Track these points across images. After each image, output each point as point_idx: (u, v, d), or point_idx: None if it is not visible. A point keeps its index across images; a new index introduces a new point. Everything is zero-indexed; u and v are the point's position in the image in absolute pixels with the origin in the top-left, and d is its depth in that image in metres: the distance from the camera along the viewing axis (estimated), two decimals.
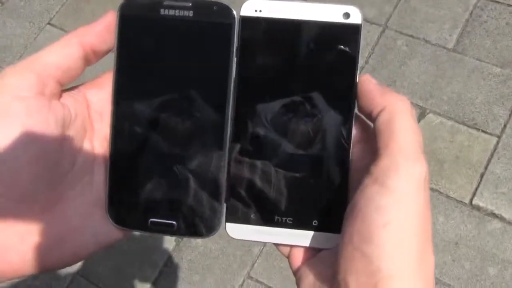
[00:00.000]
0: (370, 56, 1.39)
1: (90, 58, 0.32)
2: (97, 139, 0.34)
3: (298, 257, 0.34)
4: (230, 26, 0.32)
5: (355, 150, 0.33)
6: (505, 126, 1.26)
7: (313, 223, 0.33)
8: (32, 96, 0.29)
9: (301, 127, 0.33)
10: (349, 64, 0.32)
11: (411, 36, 1.40)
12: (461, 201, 1.19)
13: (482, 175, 1.21)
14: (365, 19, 1.42)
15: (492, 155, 1.23)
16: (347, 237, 0.29)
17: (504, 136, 1.25)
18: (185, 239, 1.24)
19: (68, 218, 0.32)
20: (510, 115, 1.27)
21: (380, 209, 0.28)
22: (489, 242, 1.15)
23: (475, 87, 1.31)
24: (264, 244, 1.21)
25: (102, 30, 0.32)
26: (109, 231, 0.33)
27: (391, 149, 0.29)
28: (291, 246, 0.34)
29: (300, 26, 0.33)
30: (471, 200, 1.19)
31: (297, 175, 0.33)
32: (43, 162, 0.30)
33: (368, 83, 0.32)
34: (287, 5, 0.33)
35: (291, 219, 0.33)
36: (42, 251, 0.31)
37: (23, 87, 0.29)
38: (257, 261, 1.20)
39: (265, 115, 0.33)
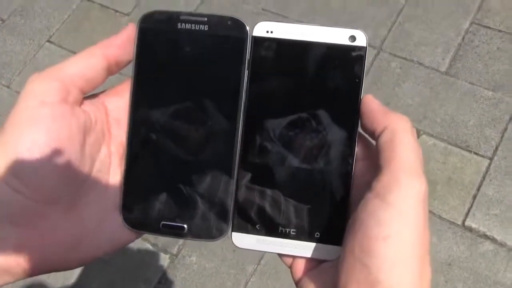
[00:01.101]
0: (364, 78, 1.41)
1: (112, 69, 0.34)
2: (114, 144, 0.35)
3: (300, 267, 0.35)
4: (243, 40, 0.34)
5: (357, 166, 0.34)
6: (496, 148, 1.28)
7: (316, 235, 0.34)
8: (56, 102, 0.31)
9: (307, 143, 0.34)
10: (354, 84, 0.34)
11: (405, 58, 1.43)
12: (453, 222, 1.20)
13: (474, 197, 1.23)
14: None
15: (484, 177, 1.25)
16: (349, 249, 0.30)
17: (496, 158, 1.27)
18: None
19: (87, 220, 0.33)
20: (501, 138, 1.29)
21: (381, 222, 0.29)
22: (482, 263, 1.16)
23: (468, 110, 1.34)
24: (262, 257, 1.21)
25: (124, 42, 0.34)
26: (123, 233, 0.35)
27: (393, 166, 0.30)
28: (294, 257, 0.35)
29: (308, 47, 0.34)
30: (463, 221, 1.20)
31: (302, 188, 0.35)
32: (66, 167, 0.31)
33: (371, 103, 0.33)
34: (297, 28, 0.35)
35: (295, 230, 0.35)
36: (61, 250, 0.32)
37: (48, 94, 0.31)
38: (251, 279, 1.20)
39: (273, 130, 0.35)
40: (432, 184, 1.25)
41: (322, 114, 0.34)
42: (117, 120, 0.35)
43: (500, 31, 1.44)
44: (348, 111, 0.34)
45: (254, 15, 1.53)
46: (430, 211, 1.21)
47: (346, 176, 0.34)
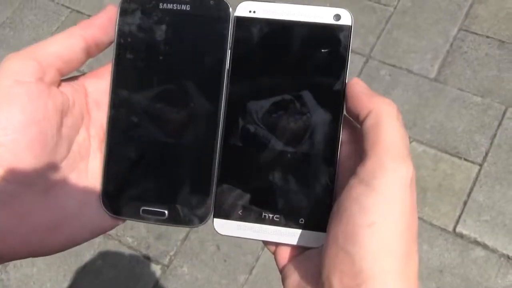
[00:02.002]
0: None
1: (92, 50, 0.33)
2: (93, 127, 0.35)
3: (284, 254, 0.34)
4: (226, 20, 0.34)
5: (343, 150, 0.33)
6: (486, 154, 1.28)
7: (300, 221, 0.33)
8: (32, 81, 0.30)
9: (291, 125, 0.33)
10: (339, 65, 0.33)
11: (394, 66, 1.43)
12: (444, 229, 1.20)
13: (465, 203, 1.23)
14: None
15: (474, 183, 1.25)
16: (332, 237, 0.29)
17: (485, 164, 1.27)
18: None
19: (64, 203, 0.32)
20: (491, 144, 1.29)
21: (365, 209, 0.28)
22: (473, 270, 1.16)
23: (457, 116, 1.34)
24: (253, 267, 1.21)
25: (104, 23, 0.33)
26: (104, 219, 0.34)
27: (377, 150, 0.29)
28: (278, 244, 0.34)
29: (292, 27, 0.34)
30: (454, 228, 1.20)
31: (285, 172, 0.33)
32: (41, 146, 0.30)
33: (357, 86, 0.32)
34: (280, 7, 0.34)
35: (278, 216, 0.33)
36: (39, 233, 0.31)
37: (24, 73, 0.30)
38: None
39: (256, 112, 0.34)
40: (422, 191, 1.25)
41: (306, 95, 0.33)
42: (97, 103, 0.35)
43: (488, 37, 1.45)
44: (333, 93, 0.33)
45: None
46: (421, 218, 1.22)
47: (331, 160, 0.33)
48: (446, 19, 1.49)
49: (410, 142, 1.31)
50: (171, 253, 1.25)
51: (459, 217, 1.21)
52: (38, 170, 0.31)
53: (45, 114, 0.30)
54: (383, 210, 0.28)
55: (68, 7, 1.68)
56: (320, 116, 0.33)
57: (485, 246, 1.18)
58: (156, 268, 1.24)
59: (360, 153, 0.31)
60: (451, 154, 1.29)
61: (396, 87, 1.40)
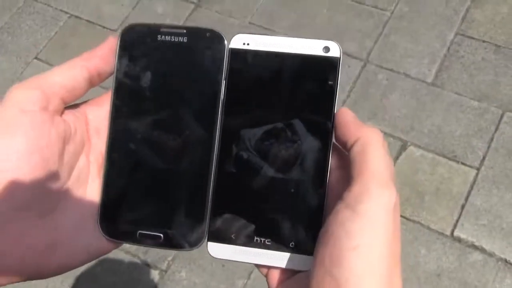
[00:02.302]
0: (351, 90, 1.42)
1: (94, 80, 0.35)
2: (93, 153, 0.36)
3: (275, 277, 0.35)
4: (221, 51, 0.35)
5: (332, 176, 0.35)
6: (483, 158, 1.29)
7: (291, 245, 0.34)
8: (36, 110, 0.32)
9: (282, 153, 0.35)
10: (328, 95, 0.35)
11: (392, 70, 1.44)
12: (442, 233, 1.21)
13: (462, 207, 1.23)
14: (346, 54, 1.46)
15: (472, 187, 1.25)
16: (319, 260, 0.30)
17: (483, 168, 1.27)
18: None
19: (62, 227, 0.33)
20: (488, 148, 1.30)
21: (350, 233, 0.29)
22: (471, 274, 1.16)
23: (454, 120, 1.34)
24: (252, 271, 1.21)
25: (105, 53, 0.35)
26: (101, 242, 0.35)
27: (363, 177, 0.30)
28: (269, 267, 0.35)
29: (283, 59, 0.35)
30: (452, 232, 1.21)
31: (277, 198, 0.35)
32: (43, 173, 0.31)
33: (345, 115, 0.34)
34: (273, 40, 0.36)
35: (270, 240, 0.35)
36: (35, 255, 0.32)
37: (28, 102, 0.32)
38: None
39: (249, 140, 0.35)
40: (420, 195, 1.26)
41: (297, 124, 0.35)
42: (97, 130, 0.36)
43: (484, 41, 1.46)
44: (323, 121, 0.35)
45: (241, 28, 1.54)
46: (418, 222, 1.22)
47: (321, 186, 0.34)
48: (442, 23, 1.50)
49: (408, 146, 1.32)
50: (169, 258, 1.25)
51: (457, 221, 1.22)
52: (37, 196, 0.32)
53: (48, 142, 0.32)
54: (367, 234, 0.29)
55: (66, 12, 1.68)
56: (310, 144, 0.35)
57: (482, 250, 1.18)
58: (154, 273, 1.24)
59: (348, 179, 0.32)
60: (449, 158, 1.29)
61: (394, 91, 1.41)
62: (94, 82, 0.35)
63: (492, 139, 1.31)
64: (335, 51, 0.35)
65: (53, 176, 0.32)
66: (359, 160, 0.31)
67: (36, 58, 1.60)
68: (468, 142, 1.31)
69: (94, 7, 1.68)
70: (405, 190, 1.27)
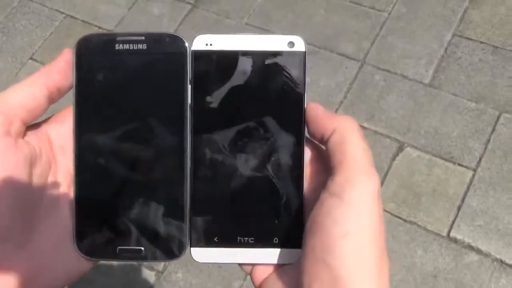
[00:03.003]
0: (348, 91, 1.42)
1: (54, 96, 0.34)
2: (61, 172, 0.35)
3: (260, 273, 0.35)
4: (183, 55, 0.34)
5: (308, 169, 0.35)
6: (480, 159, 1.29)
7: (274, 241, 0.35)
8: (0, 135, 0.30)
9: (257, 151, 0.35)
10: (297, 89, 0.35)
11: (389, 71, 1.44)
12: (438, 234, 1.21)
13: (459, 208, 1.23)
14: (344, 55, 1.46)
15: (468, 188, 1.25)
16: (309, 249, 0.31)
17: (479, 169, 1.28)
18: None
19: (39, 255, 0.32)
20: (485, 149, 1.30)
21: (338, 221, 0.30)
22: (467, 275, 1.16)
23: (451, 121, 1.34)
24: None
25: (63, 67, 0.34)
26: (79, 262, 0.34)
27: (345, 166, 0.31)
28: (255, 264, 0.35)
29: (249, 57, 0.35)
30: (448, 232, 1.21)
31: (256, 196, 0.35)
32: (14, 201, 0.31)
33: (315, 109, 0.34)
34: (236, 38, 0.35)
35: (253, 238, 0.35)
36: (17, 287, 0.31)
37: None
38: None
39: (222, 141, 0.35)
40: (417, 196, 1.26)
41: (269, 121, 0.35)
42: (62, 148, 0.35)
43: (481, 42, 1.46)
44: (294, 116, 0.35)
45: (237, 29, 1.53)
46: (415, 223, 1.22)
47: (298, 179, 0.35)
48: (440, 24, 1.50)
49: (405, 147, 1.32)
50: None
51: (453, 222, 1.22)
52: (12, 226, 0.31)
53: (15, 168, 0.31)
54: (355, 221, 0.30)
55: (62, 12, 1.67)
56: (283, 140, 0.35)
57: (478, 251, 1.18)
58: (150, 275, 1.24)
59: (324, 169, 0.33)
60: (445, 159, 1.30)
61: (391, 92, 1.41)
62: (54, 99, 0.34)
63: (488, 141, 1.31)
64: (299, 45, 0.35)
65: (25, 202, 0.31)
66: (338, 150, 0.32)
67: (31, 58, 1.59)
68: (465, 143, 1.31)
69: (90, 7, 1.67)
70: (402, 191, 1.27)
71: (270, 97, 0.35)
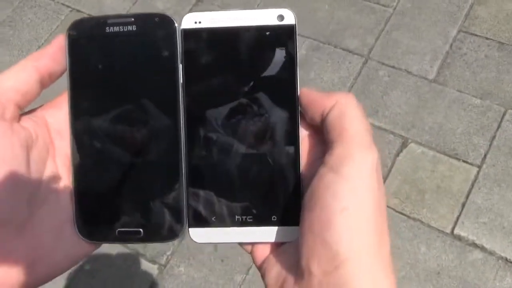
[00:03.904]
0: (352, 86, 1.42)
1: (46, 81, 0.34)
2: (59, 157, 0.35)
3: (260, 252, 0.35)
4: (173, 34, 0.34)
5: (302, 144, 0.34)
6: (485, 156, 1.28)
7: (273, 219, 0.34)
8: None
9: (251, 128, 0.34)
10: (289, 63, 0.34)
11: (393, 67, 1.43)
12: (442, 231, 1.20)
13: (463, 205, 1.22)
14: (348, 50, 1.46)
15: (473, 185, 1.24)
16: (307, 225, 0.30)
17: (484, 166, 1.27)
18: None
19: (40, 238, 0.32)
20: (490, 146, 1.29)
21: (337, 195, 0.29)
22: (471, 272, 1.15)
23: (456, 118, 1.34)
24: (250, 267, 1.20)
25: (55, 52, 0.34)
26: (80, 246, 0.34)
27: (344, 139, 0.30)
28: (255, 243, 0.35)
29: (238, 32, 0.34)
30: (452, 229, 1.20)
31: (252, 174, 0.34)
32: (12, 185, 0.30)
33: (309, 93, 0.33)
34: (225, 15, 0.34)
35: (251, 217, 0.34)
36: (19, 271, 0.31)
37: None
38: None
39: (215, 119, 0.34)
40: (421, 192, 1.25)
41: (262, 97, 0.34)
42: (59, 132, 0.35)
43: (487, 38, 1.44)
44: (287, 91, 0.34)
45: None
46: (419, 220, 1.21)
47: (294, 156, 0.34)
48: (445, 20, 1.49)
49: (409, 144, 1.31)
50: (168, 253, 1.25)
51: (457, 219, 1.21)
52: (11, 210, 0.31)
53: (12, 152, 0.30)
54: (353, 195, 0.29)
55: (68, 6, 1.68)
56: (277, 115, 0.34)
57: (483, 249, 1.17)
58: (153, 268, 1.24)
59: (319, 143, 0.33)
60: (450, 156, 1.29)
61: (395, 88, 1.40)
62: (45, 84, 0.34)
63: (494, 137, 1.30)
64: (289, 18, 0.34)
65: (24, 187, 0.31)
66: (337, 123, 0.31)
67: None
68: (470, 139, 1.30)
69: (95, 1, 1.68)
70: (406, 188, 1.26)
71: (262, 72, 0.34)
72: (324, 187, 0.30)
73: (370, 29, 1.50)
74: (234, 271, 1.21)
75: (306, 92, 0.34)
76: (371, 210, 0.29)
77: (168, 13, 0.35)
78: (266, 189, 0.34)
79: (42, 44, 1.61)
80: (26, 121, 0.33)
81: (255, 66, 0.34)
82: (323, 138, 0.32)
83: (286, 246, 0.34)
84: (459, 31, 1.47)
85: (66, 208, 0.34)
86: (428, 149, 1.30)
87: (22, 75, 0.32)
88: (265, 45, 0.34)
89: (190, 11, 1.59)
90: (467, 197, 1.23)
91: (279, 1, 1.58)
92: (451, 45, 1.45)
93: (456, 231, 1.19)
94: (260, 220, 0.34)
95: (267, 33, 0.34)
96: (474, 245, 1.18)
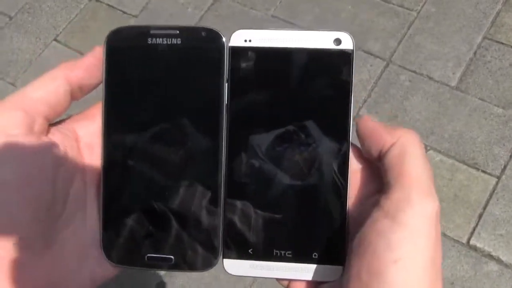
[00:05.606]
0: (372, 89, 1.40)
1: (76, 94, 0.32)
2: (88, 173, 0.33)
3: None
4: (220, 51, 0.32)
5: (353, 179, 0.32)
6: (505, 167, 1.26)
7: (314, 256, 0.32)
8: (21, 133, 0.29)
9: (297, 158, 0.32)
10: (343, 91, 0.32)
11: (415, 72, 1.41)
12: (458, 241, 1.18)
13: (480, 216, 1.20)
14: (369, 53, 1.44)
15: (491, 196, 1.22)
16: (355, 271, 0.28)
17: (504, 177, 1.24)
18: None
19: (64, 260, 0.31)
20: (510, 157, 1.27)
21: (392, 244, 0.27)
22: (485, 284, 1.13)
23: (477, 127, 1.31)
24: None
25: (90, 65, 0.32)
26: (105, 269, 0.33)
27: (403, 183, 0.28)
28: (292, 280, 0.33)
29: (290, 54, 0.32)
30: (468, 240, 1.18)
31: (295, 206, 0.32)
32: (38, 204, 0.29)
33: (369, 123, 0.31)
34: (277, 34, 0.32)
35: (291, 252, 0.32)
36: None
37: (12, 125, 0.29)
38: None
39: (259, 146, 0.32)
40: None
41: (311, 125, 0.32)
42: (90, 146, 0.33)
43: None
44: (339, 121, 0.32)
45: (263, 21, 1.51)
46: None
47: (341, 190, 0.32)
48: (470, 26, 1.46)
49: (427, 150, 1.29)
50: None
51: (474, 229, 1.19)
52: (35, 230, 0.29)
53: (40, 169, 0.29)
54: (409, 247, 0.27)
55: None
56: (326, 146, 0.32)
57: (499, 261, 1.15)
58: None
59: (371, 180, 0.31)
60: (469, 165, 1.26)
61: (416, 93, 1.38)
62: (76, 96, 0.32)
63: None
64: (347, 43, 0.32)
65: (49, 206, 0.29)
66: (397, 163, 0.29)
67: (55, 40, 1.59)
68: (490, 149, 1.28)
69: None
70: None
71: (313, 99, 0.32)
72: (377, 233, 0.28)
73: (393, 33, 1.48)
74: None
75: (366, 121, 0.31)
76: (427, 262, 0.27)
77: (190, 6, 0.33)
78: (308, 224, 0.32)
79: (60, 32, 1.60)
80: (55, 134, 0.31)
81: (306, 92, 0.32)
82: (378, 174, 0.30)
83: (325, 286, 0.32)
84: (484, 38, 1.44)
85: (92, 229, 0.32)
86: (447, 157, 1.28)
87: (52, 86, 0.30)
88: (319, 70, 0.32)
89: (211, 6, 1.57)
90: (484, 208, 1.21)
91: (302, 0, 1.56)
92: (475, 52, 1.42)
93: (472, 242, 1.17)
94: (300, 256, 0.32)
95: (322, 57, 0.32)
96: (490, 256, 1.16)
